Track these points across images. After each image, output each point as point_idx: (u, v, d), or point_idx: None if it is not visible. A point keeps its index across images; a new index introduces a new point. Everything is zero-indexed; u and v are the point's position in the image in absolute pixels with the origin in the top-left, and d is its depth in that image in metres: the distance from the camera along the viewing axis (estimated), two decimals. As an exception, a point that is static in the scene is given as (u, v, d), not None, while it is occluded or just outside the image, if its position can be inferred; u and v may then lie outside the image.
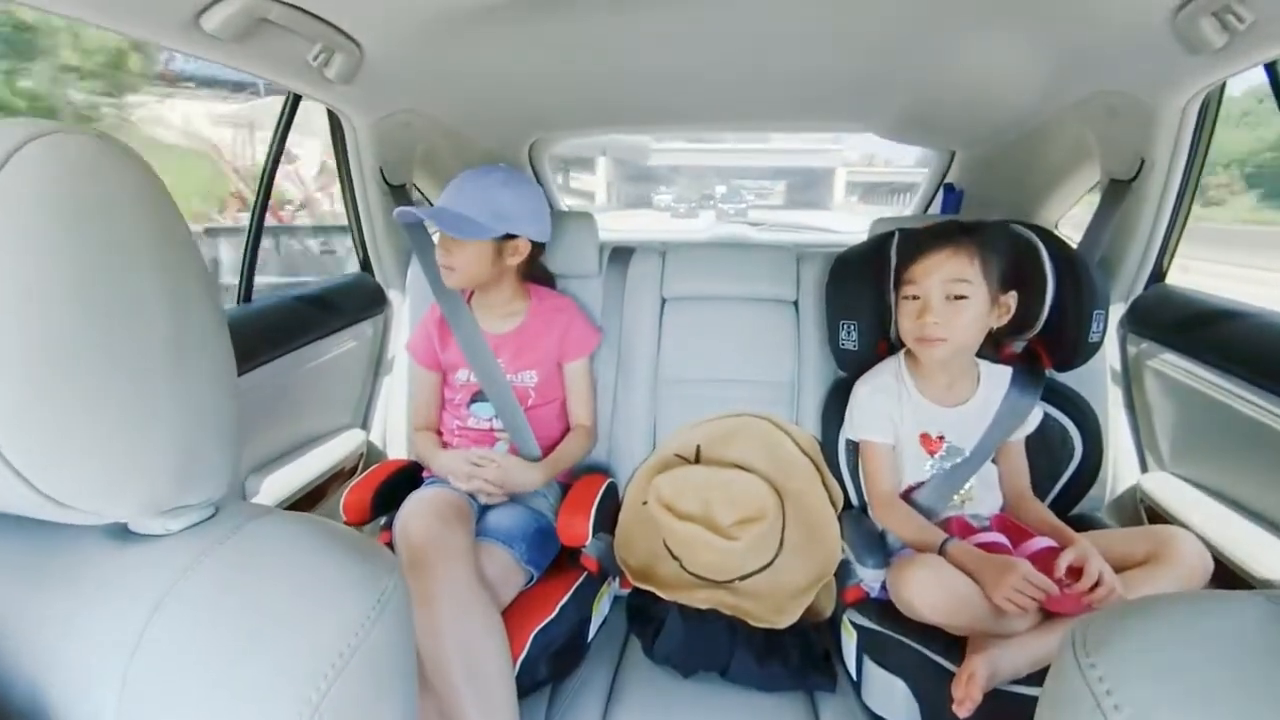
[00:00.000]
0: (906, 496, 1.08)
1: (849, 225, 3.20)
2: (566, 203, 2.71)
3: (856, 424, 1.14)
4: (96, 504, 0.34)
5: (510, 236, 1.16)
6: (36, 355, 0.30)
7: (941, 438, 1.07)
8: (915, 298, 1.01)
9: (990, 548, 0.94)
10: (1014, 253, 1.09)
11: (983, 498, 1.08)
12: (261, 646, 0.34)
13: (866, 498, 1.15)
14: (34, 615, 0.36)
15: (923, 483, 1.08)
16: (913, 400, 1.08)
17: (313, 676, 0.34)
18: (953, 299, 0.98)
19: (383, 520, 1.16)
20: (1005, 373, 1.10)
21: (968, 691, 0.83)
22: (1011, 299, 1.03)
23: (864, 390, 1.13)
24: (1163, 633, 0.33)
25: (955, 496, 1.07)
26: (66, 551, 0.38)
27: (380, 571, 0.40)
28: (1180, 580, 0.88)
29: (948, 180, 2.00)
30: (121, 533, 0.39)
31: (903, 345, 1.13)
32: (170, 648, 0.34)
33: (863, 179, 21.78)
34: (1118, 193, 1.23)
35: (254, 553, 0.38)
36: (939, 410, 1.07)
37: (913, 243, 1.03)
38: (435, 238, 1.24)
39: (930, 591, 0.90)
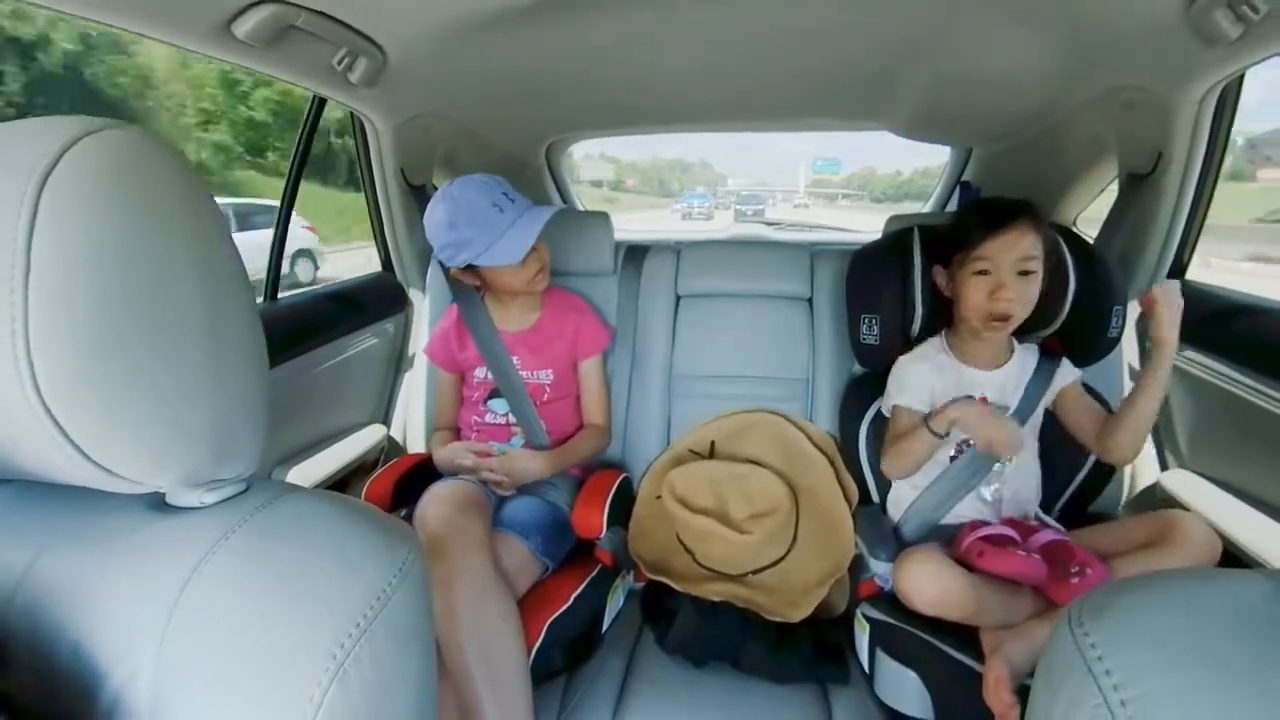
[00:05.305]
0: (951, 463, 1.08)
1: (865, 225, 3.17)
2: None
3: (893, 390, 1.12)
4: (142, 474, 0.36)
5: None
6: (89, 336, 0.33)
7: (984, 399, 1.08)
8: (985, 273, 1.01)
9: (998, 540, 0.95)
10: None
11: (1017, 480, 1.08)
12: (290, 608, 0.36)
13: (881, 458, 1.12)
14: (80, 578, 0.38)
15: (970, 444, 1.07)
16: (955, 369, 1.09)
17: (338, 635, 0.36)
18: (1022, 275, 0.99)
19: (403, 512, 1.19)
20: (1032, 349, 1.12)
21: (999, 696, 0.82)
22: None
23: (906, 359, 1.13)
24: (1158, 603, 0.33)
25: (996, 464, 1.06)
26: (110, 521, 0.41)
27: (400, 542, 0.42)
28: (1186, 562, 0.87)
29: (964, 178, 1.99)
30: (160, 505, 0.41)
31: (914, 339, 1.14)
32: (204, 609, 0.36)
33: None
34: (1135, 188, 1.22)
35: (283, 524, 0.40)
36: (982, 374, 1.08)
37: (983, 219, 1.01)
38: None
39: (926, 585, 0.92)
